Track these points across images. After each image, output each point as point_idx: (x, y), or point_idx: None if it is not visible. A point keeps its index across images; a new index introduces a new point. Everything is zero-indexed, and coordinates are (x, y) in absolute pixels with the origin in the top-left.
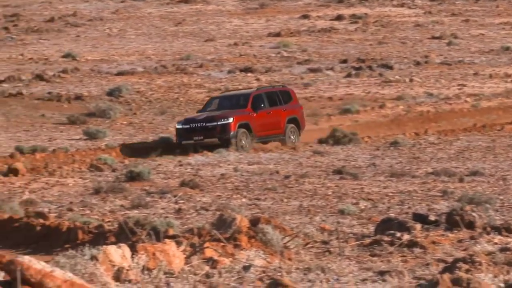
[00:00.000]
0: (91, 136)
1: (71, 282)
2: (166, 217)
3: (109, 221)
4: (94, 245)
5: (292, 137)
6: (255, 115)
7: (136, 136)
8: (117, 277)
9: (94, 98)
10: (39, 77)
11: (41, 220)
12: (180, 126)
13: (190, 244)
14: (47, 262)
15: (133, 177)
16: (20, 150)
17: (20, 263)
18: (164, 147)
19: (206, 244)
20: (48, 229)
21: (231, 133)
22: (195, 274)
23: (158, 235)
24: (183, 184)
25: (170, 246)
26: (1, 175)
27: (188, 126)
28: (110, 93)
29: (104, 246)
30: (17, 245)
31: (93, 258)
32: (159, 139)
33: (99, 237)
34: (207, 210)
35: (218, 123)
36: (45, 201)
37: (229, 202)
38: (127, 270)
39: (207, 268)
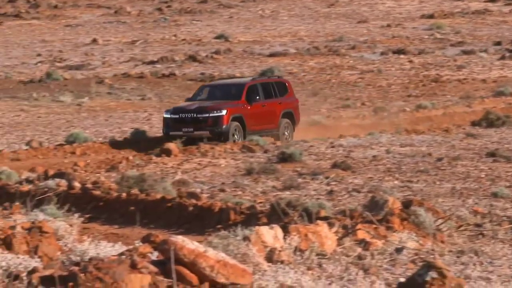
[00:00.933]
0: None
1: (224, 262)
2: (318, 198)
3: (260, 202)
4: (246, 225)
5: (286, 133)
6: (249, 107)
7: None
8: (269, 258)
9: None
10: (192, 58)
11: (194, 201)
12: (168, 116)
13: (342, 226)
14: (199, 242)
15: (284, 158)
16: None
17: (174, 243)
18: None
19: (358, 226)
20: (200, 210)
21: (224, 126)
22: (347, 256)
23: (310, 216)
24: (334, 165)
25: (322, 227)
26: (154, 156)
27: (177, 116)
28: (263, 74)
29: (256, 227)
30: (170, 225)
31: (246, 238)
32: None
33: (251, 218)
34: (359, 192)
35: (210, 115)
36: (197, 182)
37: (381, 184)
38: (279, 251)
39: (359, 250)
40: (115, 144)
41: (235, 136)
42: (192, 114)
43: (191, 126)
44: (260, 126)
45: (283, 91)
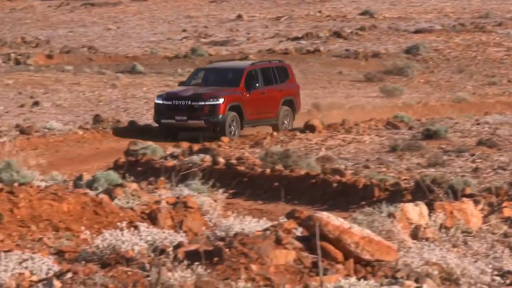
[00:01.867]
0: (388, 93)
1: (369, 239)
2: (463, 175)
3: (405, 179)
4: (391, 202)
5: (285, 121)
6: (248, 95)
7: (433, 94)
8: (414, 235)
9: (391, 56)
10: (337, 34)
11: (338, 177)
12: (160, 101)
13: (488, 204)
14: (344, 218)
15: (429, 135)
16: (317, 106)
17: (319, 219)
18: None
19: (504, 204)
20: (344, 186)
21: (220, 116)
22: (493, 234)
23: (455, 193)
24: (480, 143)
25: (467, 205)
26: (298, 132)
27: (170, 103)
28: (408, 51)
29: (401, 203)
30: (314, 201)
31: (390, 215)
32: None
33: (395, 195)
34: (504, 169)
35: (206, 103)
36: (341, 158)
37: None
38: (425, 228)
39: (505, 227)
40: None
41: (232, 127)
42: (187, 101)
43: (184, 114)
44: (258, 116)
45: (284, 77)
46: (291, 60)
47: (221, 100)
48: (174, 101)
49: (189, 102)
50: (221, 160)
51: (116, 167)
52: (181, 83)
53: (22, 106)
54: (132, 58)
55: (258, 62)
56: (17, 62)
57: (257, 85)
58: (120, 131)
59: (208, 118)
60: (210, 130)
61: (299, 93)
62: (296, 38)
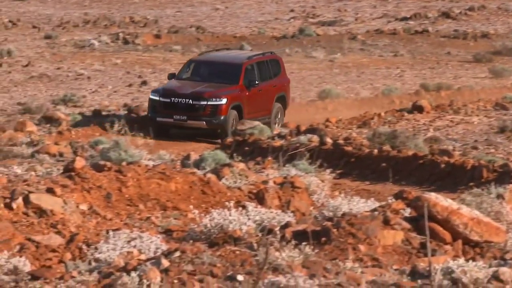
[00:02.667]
0: (496, 74)
1: (478, 220)
2: None
3: None
4: (499, 183)
5: (276, 119)
6: (247, 94)
7: None
8: None
9: (501, 36)
10: (445, 15)
11: (446, 158)
12: (155, 98)
13: None
14: (452, 199)
15: None
16: (425, 87)
17: (427, 200)
18: None
19: None
20: (452, 167)
21: (222, 117)
22: None
23: None
24: None
25: None
26: (406, 112)
27: (167, 100)
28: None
29: (510, 185)
30: (421, 182)
31: (499, 196)
32: None
33: (503, 176)
34: None
35: (208, 102)
36: (450, 139)
37: None
38: None
39: None
40: (366, 101)
41: (233, 128)
42: (187, 100)
43: (184, 114)
44: (254, 114)
45: (277, 71)
46: (399, 40)
47: (224, 100)
48: (172, 99)
49: (190, 101)
50: (329, 140)
51: (224, 146)
52: (171, 76)
53: (130, 85)
54: (240, 38)
55: (254, 55)
56: (126, 42)
57: (256, 82)
58: None
59: (210, 119)
60: (210, 132)
61: (290, 88)
62: (404, 19)
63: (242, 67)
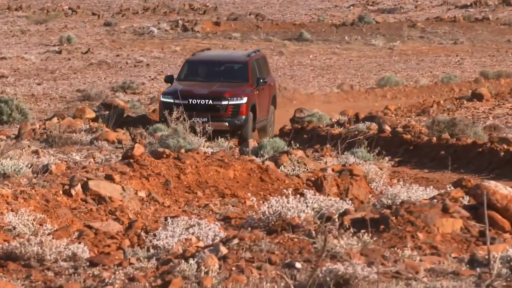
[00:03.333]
0: None
1: None
2: None
3: None
4: None
5: (271, 121)
6: (256, 92)
7: None
8: None
9: None
10: (506, 2)
11: (505, 146)
12: (170, 100)
13: None
14: (511, 187)
15: None
16: (484, 75)
17: (486, 188)
18: None
19: None
20: (511, 155)
21: (244, 117)
22: None
23: None
24: None
25: None
26: (465, 100)
27: (185, 102)
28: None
29: None
30: (480, 170)
31: None
32: None
33: None
34: None
35: (230, 102)
36: (509, 127)
37: None
38: None
39: None
40: (425, 88)
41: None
42: (206, 101)
43: (205, 116)
44: (261, 114)
45: (266, 70)
46: (458, 28)
47: (244, 99)
48: (190, 100)
49: (210, 102)
50: (387, 128)
51: (282, 134)
52: (169, 78)
53: None
54: (299, 26)
55: (252, 53)
56: (185, 29)
57: (265, 80)
58: None
59: (232, 119)
60: (232, 133)
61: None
62: (464, 6)
63: (248, 64)
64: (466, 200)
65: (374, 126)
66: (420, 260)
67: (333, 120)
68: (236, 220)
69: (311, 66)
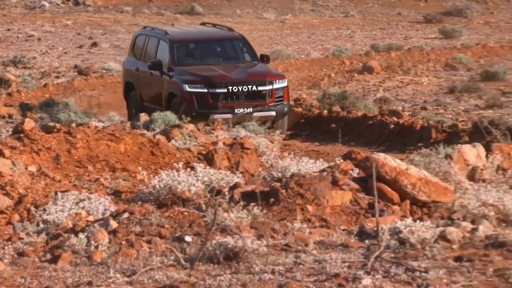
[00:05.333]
0: (447, 35)
1: (426, 180)
2: None
3: (462, 121)
4: (448, 144)
5: None
6: None
7: (492, 35)
8: (471, 176)
9: None
10: None
11: (395, 118)
12: (201, 90)
13: None
14: (401, 160)
15: (488, 76)
16: (375, 48)
17: (376, 160)
18: None
19: None
20: (401, 128)
21: (288, 104)
22: None
23: None
24: None
25: None
26: (356, 73)
27: (224, 91)
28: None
29: (459, 145)
30: (371, 142)
31: (448, 157)
32: None
33: (452, 136)
34: None
35: (275, 86)
36: (399, 99)
37: None
38: (482, 169)
39: None
40: (317, 62)
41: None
42: (250, 87)
43: (247, 105)
44: None
45: None
46: (349, 1)
47: (285, 82)
48: (230, 88)
49: (253, 88)
50: None
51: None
52: (156, 64)
53: (80, 47)
54: None
55: (227, 28)
56: (76, 3)
57: (267, 56)
58: None
59: (279, 107)
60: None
61: None
62: None
63: (246, 41)
64: (355, 172)
65: None
66: (310, 233)
67: None
68: (127, 194)
69: None
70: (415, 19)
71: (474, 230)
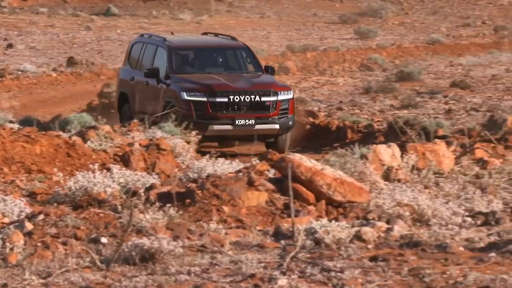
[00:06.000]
0: (362, 35)
1: (341, 180)
2: (436, 117)
3: (378, 121)
4: (363, 144)
5: None
6: None
7: (407, 36)
8: (386, 176)
9: None
10: None
11: (311, 119)
12: (200, 99)
13: (460, 145)
14: (316, 160)
15: (403, 77)
16: (291, 48)
17: (291, 161)
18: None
19: (477, 145)
20: (317, 128)
21: (292, 117)
22: (465, 175)
23: (428, 135)
24: (453, 84)
25: (440, 146)
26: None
27: (224, 100)
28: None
29: (374, 145)
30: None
31: (363, 157)
32: None
33: (368, 136)
34: (477, 111)
35: (279, 97)
36: (315, 100)
37: (500, 103)
38: (397, 169)
39: (477, 168)
40: None
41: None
42: (252, 97)
43: (250, 116)
44: None
45: None
46: (265, 2)
47: (291, 93)
48: (231, 97)
49: (256, 98)
50: None
51: (90, 109)
52: (153, 72)
53: None
54: (107, 0)
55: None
56: None
57: (271, 68)
58: None
59: (283, 120)
60: (271, 142)
61: None
62: None
63: (250, 51)
64: (271, 173)
65: None
66: (226, 233)
67: None
68: (42, 196)
69: (119, 41)
70: (331, 20)
71: (389, 230)
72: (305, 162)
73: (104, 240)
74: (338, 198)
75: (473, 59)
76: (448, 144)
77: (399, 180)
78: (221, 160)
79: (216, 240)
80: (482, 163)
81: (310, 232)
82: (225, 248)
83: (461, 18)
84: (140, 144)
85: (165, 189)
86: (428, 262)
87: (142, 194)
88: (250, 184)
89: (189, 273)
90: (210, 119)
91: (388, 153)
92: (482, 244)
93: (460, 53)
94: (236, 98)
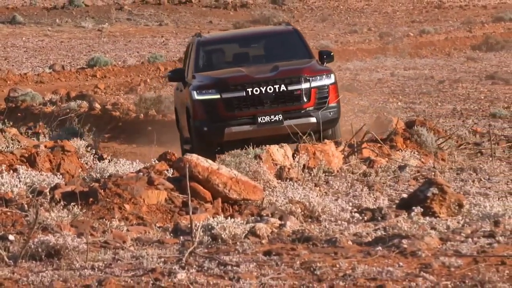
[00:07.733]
0: None
1: (236, 179)
2: None
3: None
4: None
5: None
6: None
7: None
8: (279, 175)
9: (259, 5)
10: None
11: None
12: (213, 96)
13: (348, 145)
14: (213, 160)
15: None
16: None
17: (189, 161)
18: None
19: (364, 145)
20: None
21: (336, 106)
22: (353, 173)
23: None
24: (341, 88)
25: (329, 146)
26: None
27: (242, 94)
28: (274, 1)
29: (267, 145)
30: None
31: (257, 157)
32: None
33: None
34: (364, 112)
35: (313, 84)
36: None
37: (386, 105)
38: (289, 168)
39: (364, 167)
40: (133, 68)
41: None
42: (277, 87)
43: (276, 111)
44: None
45: None
46: (163, 10)
47: (332, 78)
48: (249, 90)
49: (282, 87)
50: (97, 105)
51: None
52: (177, 73)
53: None
54: (12, 9)
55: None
56: None
57: (329, 54)
58: None
59: (323, 112)
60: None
61: None
62: None
63: (299, 34)
64: (170, 172)
65: (85, 104)
66: (127, 230)
67: (45, 99)
68: None
69: (24, 48)
70: (225, 27)
71: (282, 225)
72: (202, 162)
73: (11, 237)
74: (234, 196)
75: (360, 63)
76: (337, 144)
77: (291, 179)
78: (122, 160)
79: (118, 236)
80: (369, 162)
81: (208, 229)
82: (127, 244)
83: (348, 25)
84: (45, 146)
85: (69, 188)
86: (319, 256)
87: (48, 194)
88: (150, 183)
89: (93, 268)
90: (224, 121)
91: (280, 153)
92: (369, 239)
93: (347, 58)
94: (256, 91)
